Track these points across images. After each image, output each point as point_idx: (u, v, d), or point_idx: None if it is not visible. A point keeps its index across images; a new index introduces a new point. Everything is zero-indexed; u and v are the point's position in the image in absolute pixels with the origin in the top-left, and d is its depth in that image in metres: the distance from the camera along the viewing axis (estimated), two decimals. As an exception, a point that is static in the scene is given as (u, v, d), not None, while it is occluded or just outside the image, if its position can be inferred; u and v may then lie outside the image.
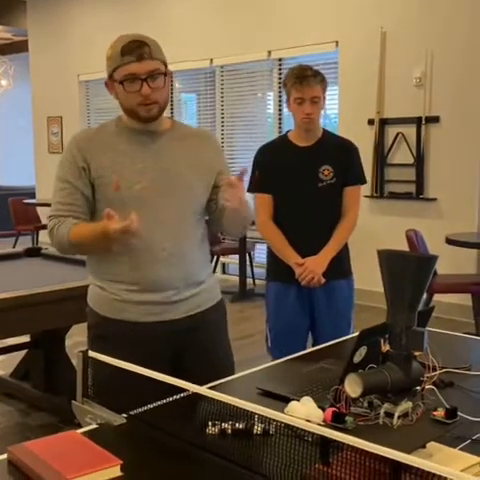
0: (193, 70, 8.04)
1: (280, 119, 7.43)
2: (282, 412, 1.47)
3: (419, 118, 6.12)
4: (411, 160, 6.21)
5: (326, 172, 3.04)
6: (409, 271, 1.59)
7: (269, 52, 7.28)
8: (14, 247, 8.91)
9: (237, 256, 7.27)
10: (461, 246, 5.20)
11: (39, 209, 9.55)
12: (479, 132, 5.85)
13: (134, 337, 2.06)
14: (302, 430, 1.36)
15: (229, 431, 1.55)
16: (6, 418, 3.87)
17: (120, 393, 1.68)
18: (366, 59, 6.44)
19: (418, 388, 1.61)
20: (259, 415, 1.47)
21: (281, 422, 1.41)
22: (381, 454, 1.20)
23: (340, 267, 3.11)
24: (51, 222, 2.07)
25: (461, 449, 1.45)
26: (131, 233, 1.83)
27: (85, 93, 9.69)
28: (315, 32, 6.83)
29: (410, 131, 6.20)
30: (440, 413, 1.57)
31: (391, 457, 1.19)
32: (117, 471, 1.35)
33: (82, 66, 9.35)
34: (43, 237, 9.43)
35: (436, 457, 1.39)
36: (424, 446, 1.42)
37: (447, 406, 1.59)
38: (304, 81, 2.92)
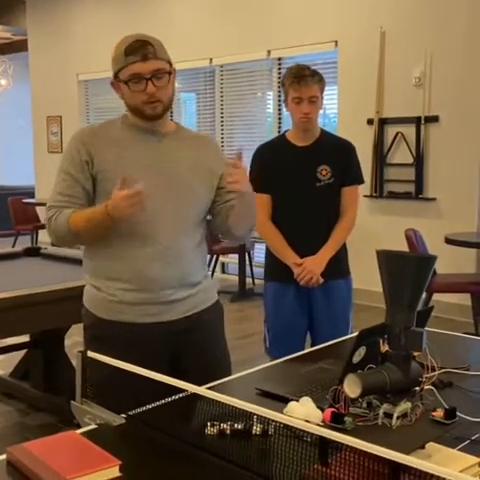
0: (192, 69, 8.03)
1: (280, 119, 7.43)
2: (281, 412, 1.47)
3: (418, 118, 6.12)
4: (410, 160, 6.21)
5: (324, 172, 3.04)
6: (408, 271, 1.59)
7: (268, 52, 7.27)
8: (13, 247, 8.91)
9: (236, 255, 7.28)
10: (460, 246, 5.20)
11: (38, 209, 9.54)
12: (478, 132, 5.85)
13: (131, 338, 2.06)
14: (301, 430, 1.36)
15: (228, 431, 1.55)
16: (5, 418, 3.87)
17: (119, 394, 1.68)
18: (365, 59, 6.44)
19: (417, 388, 1.61)
20: (258, 415, 1.47)
21: (280, 422, 1.41)
22: (380, 455, 1.20)
23: (338, 267, 3.11)
24: (49, 212, 2.07)
25: (460, 449, 1.45)
26: (139, 199, 1.87)
27: (84, 93, 9.69)
28: (314, 32, 6.82)
29: (409, 131, 6.20)
30: (439, 413, 1.57)
31: (390, 458, 1.19)
32: (116, 471, 1.35)
33: (81, 66, 9.34)
34: (42, 237, 9.42)
35: (435, 458, 1.39)
36: (423, 447, 1.42)
37: (446, 406, 1.59)
38: (302, 81, 2.92)
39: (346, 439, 1.25)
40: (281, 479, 1.32)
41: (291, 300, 3.08)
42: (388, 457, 1.19)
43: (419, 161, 6.15)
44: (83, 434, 1.56)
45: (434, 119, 6.05)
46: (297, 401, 1.63)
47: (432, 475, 1.15)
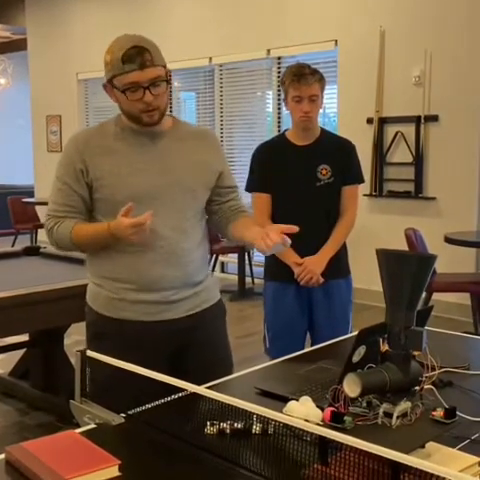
0: (192, 69, 8.02)
1: (279, 118, 7.43)
2: (281, 412, 1.47)
3: (418, 117, 6.12)
4: (410, 159, 6.21)
5: (324, 171, 3.03)
6: (408, 270, 1.58)
7: (268, 51, 7.27)
8: (13, 246, 8.91)
9: (236, 255, 7.28)
10: (460, 245, 5.20)
11: (38, 208, 9.54)
12: (478, 131, 5.85)
13: (133, 336, 2.06)
14: (301, 430, 1.36)
15: (228, 431, 1.54)
16: (4, 417, 3.87)
17: (119, 392, 1.68)
18: (365, 58, 6.44)
19: (417, 388, 1.60)
20: (258, 415, 1.47)
21: (280, 422, 1.41)
22: (380, 454, 1.20)
23: (338, 267, 3.11)
24: (49, 221, 2.09)
25: (460, 449, 1.45)
26: (144, 229, 1.89)
27: (84, 92, 9.68)
28: (314, 31, 6.82)
29: (409, 130, 6.20)
30: (439, 413, 1.56)
31: (390, 457, 1.19)
32: (115, 471, 1.35)
33: (81, 65, 9.33)
34: (42, 236, 9.41)
35: (435, 457, 1.38)
36: (423, 446, 1.42)
37: (446, 406, 1.58)
38: (302, 79, 2.91)
39: (346, 439, 1.25)
40: (281, 479, 1.32)
41: (291, 300, 3.08)
42: (388, 456, 1.19)
43: (419, 160, 6.15)
44: (82, 433, 1.56)
45: (434, 118, 6.05)
46: (297, 400, 1.63)
47: (432, 475, 1.15)
